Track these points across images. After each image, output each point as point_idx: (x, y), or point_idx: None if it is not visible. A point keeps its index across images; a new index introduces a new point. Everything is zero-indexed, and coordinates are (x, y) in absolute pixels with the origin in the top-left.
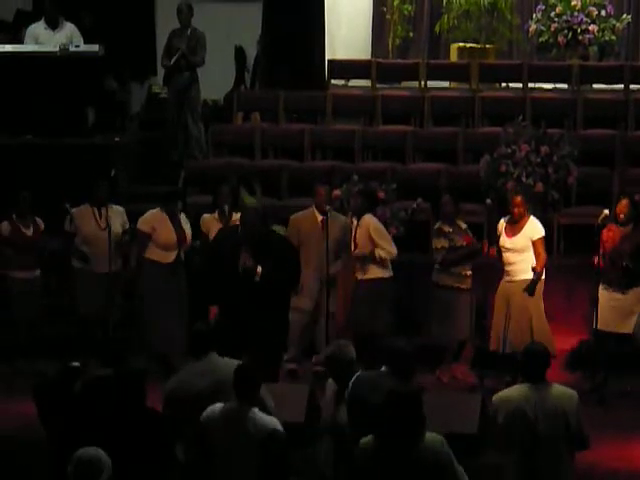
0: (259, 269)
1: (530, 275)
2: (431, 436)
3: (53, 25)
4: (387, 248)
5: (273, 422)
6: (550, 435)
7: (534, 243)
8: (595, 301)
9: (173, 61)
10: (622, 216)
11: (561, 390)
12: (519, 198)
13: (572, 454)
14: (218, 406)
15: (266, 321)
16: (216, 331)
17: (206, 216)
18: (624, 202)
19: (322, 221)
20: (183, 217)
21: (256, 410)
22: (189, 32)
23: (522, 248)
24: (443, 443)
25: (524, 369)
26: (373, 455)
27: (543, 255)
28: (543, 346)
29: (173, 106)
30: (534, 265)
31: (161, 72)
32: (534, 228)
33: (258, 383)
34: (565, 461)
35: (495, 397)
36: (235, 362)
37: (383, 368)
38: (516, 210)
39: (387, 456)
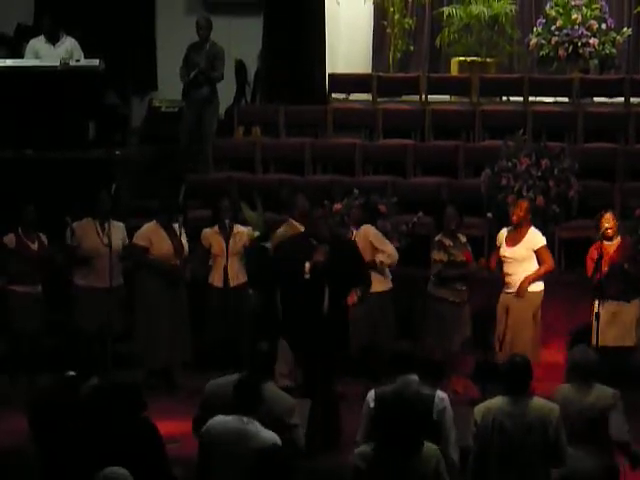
0: (307, 265)
1: (531, 288)
2: (428, 446)
3: (53, 40)
4: (388, 251)
5: (273, 437)
6: (526, 448)
7: (538, 251)
8: (597, 316)
9: (192, 77)
10: (610, 231)
11: (542, 403)
12: (525, 203)
13: (547, 469)
14: (218, 419)
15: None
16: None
17: (207, 230)
18: (609, 216)
19: None
20: (176, 225)
21: (257, 424)
22: (208, 46)
23: (522, 258)
24: (438, 454)
25: (505, 381)
26: (371, 463)
27: (550, 261)
28: (525, 358)
29: (191, 121)
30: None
31: (162, 86)
32: (535, 238)
33: (259, 396)
34: (540, 475)
35: (476, 409)
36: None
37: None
38: (516, 214)
39: (385, 464)
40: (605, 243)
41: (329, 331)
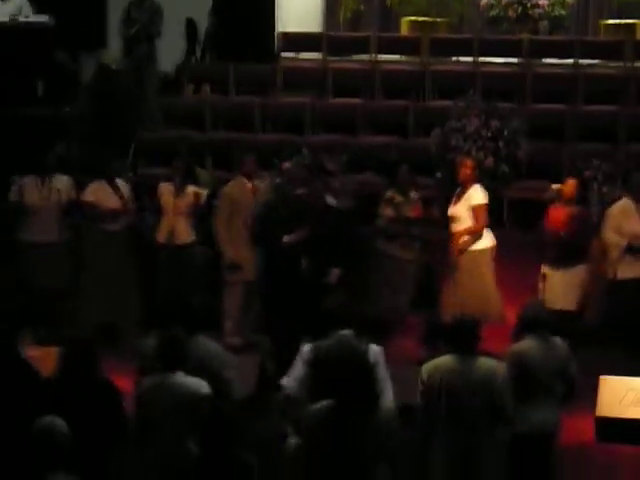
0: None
1: (476, 246)
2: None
3: None
4: None
5: (199, 384)
6: (473, 406)
7: (473, 208)
8: (542, 278)
9: (132, 33)
10: (569, 196)
11: (488, 363)
12: (470, 162)
13: (495, 425)
14: (148, 378)
15: None
16: None
17: (162, 185)
18: (571, 182)
19: (252, 188)
20: (122, 182)
21: (180, 374)
22: (147, 3)
23: (462, 217)
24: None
25: (452, 340)
26: (324, 421)
27: (479, 222)
28: (472, 317)
29: (131, 77)
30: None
31: (112, 43)
32: (474, 195)
33: (182, 351)
34: (489, 434)
35: (423, 367)
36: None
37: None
38: (462, 172)
39: (339, 423)
40: (565, 207)
41: (306, 295)
